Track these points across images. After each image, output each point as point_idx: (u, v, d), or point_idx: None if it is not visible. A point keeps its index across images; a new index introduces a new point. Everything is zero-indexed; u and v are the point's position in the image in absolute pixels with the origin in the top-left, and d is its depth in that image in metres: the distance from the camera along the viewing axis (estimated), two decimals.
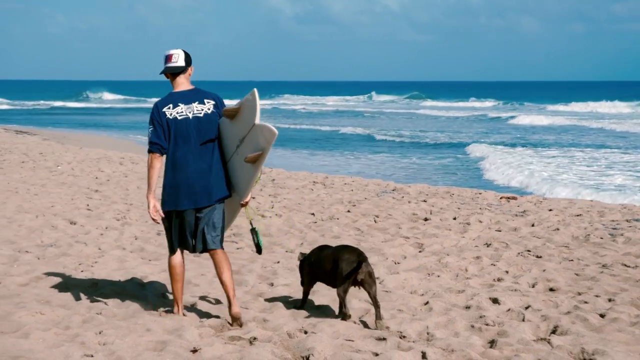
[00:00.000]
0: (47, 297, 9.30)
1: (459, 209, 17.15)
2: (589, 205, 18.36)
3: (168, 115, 8.33)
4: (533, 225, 15.16)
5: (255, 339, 7.85)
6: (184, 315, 8.69)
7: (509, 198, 19.35)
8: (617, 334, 8.35)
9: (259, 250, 8.85)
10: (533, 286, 10.54)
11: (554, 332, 8.44)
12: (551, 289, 10.40)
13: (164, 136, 8.32)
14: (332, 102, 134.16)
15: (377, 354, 7.51)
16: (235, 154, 8.48)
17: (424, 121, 72.74)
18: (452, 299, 9.72)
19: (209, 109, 8.44)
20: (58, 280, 10.24)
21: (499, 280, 10.84)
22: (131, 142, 41.70)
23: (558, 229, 14.62)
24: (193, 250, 8.56)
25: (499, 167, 30.27)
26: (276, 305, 9.15)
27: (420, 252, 12.59)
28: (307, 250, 10.86)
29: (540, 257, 12.27)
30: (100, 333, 7.91)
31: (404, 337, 8.16)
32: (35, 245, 12.50)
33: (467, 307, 9.34)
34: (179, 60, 8.46)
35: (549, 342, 7.98)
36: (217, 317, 8.64)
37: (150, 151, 8.34)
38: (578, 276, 11.07)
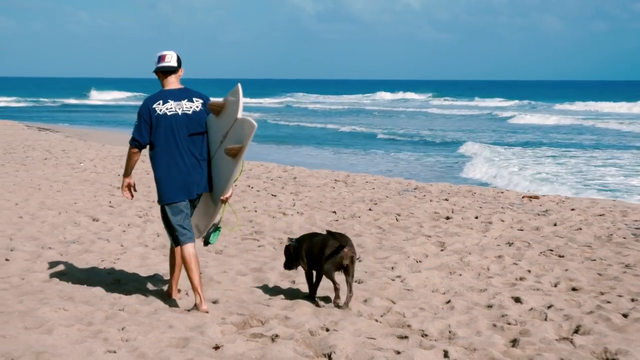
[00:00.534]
0: (70, 293, 9.34)
1: (480, 207, 17.11)
2: (611, 205, 18.29)
3: (158, 111, 8.72)
4: (555, 225, 15.11)
5: (277, 336, 7.85)
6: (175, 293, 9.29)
7: (531, 197, 19.28)
8: None
9: (205, 243, 9.16)
10: (555, 285, 10.51)
11: (576, 331, 8.41)
12: (574, 289, 10.36)
13: (147, 133, 8.74)
14: (348, 100, 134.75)
15: (399, 352, 7.51)
16: (219, 149, 8.81)
17: (430, 119, 73.57)
18: (474, 298, 9.70)
19: (197, 107, 8.84)
20: (81, 276, 10.29)
21: (521, 279, 10.81)
22: None
23: (580, 229, 14.56)
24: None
25: (477, 165, 31.38)
26: (298, 303, 9.15)
27: (442, 250, 12.57)
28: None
29: (563, 256, 12.22)
30: (123, 329, 7.93)
31: (426, 335, 8.15)
32: (58, 241, 12.56)
33: (489, 306, 9.32)
34: (172, 60, 8.86)
35: (571, 342, 7.96)
36: (239, 314, 8.65)
37: (130, 144, 8.85)
38: (601, 276, 11.03)
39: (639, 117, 71.50)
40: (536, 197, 19.33)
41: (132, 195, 9.21)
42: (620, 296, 9.83)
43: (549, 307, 9.28)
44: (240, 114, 8.58)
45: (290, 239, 9.70)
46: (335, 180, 22.25)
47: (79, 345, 7.37)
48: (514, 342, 7.96)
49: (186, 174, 8.70)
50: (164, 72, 8.89)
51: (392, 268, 11.24)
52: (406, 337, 7.95)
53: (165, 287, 9.69)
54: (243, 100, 8.61)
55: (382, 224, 14.97)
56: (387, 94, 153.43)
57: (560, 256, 12.23)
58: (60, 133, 41.68)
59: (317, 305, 9.18)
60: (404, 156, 36.65)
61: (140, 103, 9.10)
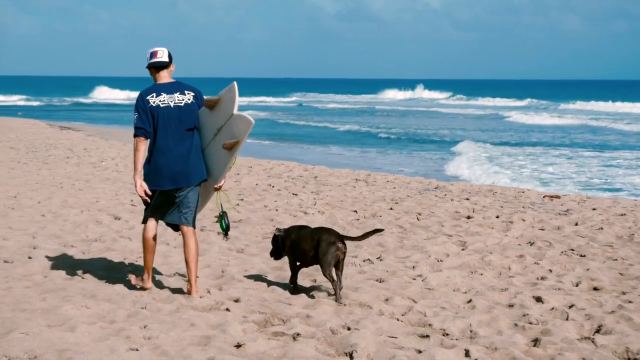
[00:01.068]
0: (93, 291, 9.39)
1: (501, 207, 17.08)
2: (633, 204, 18.21)
3: (151, 103, 9.11)
4: (576, 224, 15.06)
5: (298, 334, 7.87)
6: (148, 278, 9.57)
7: (552, 197, 19.23)
8: None
9: (225, 232, 9.80)
10: (577, 285, 10.48)
11: (598, 331, 8.39)
12: (595, 288, 10.33)
13: (148, 122, 9.08)
14: (362, 99, 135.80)
15: (420, 351, 7.51)
16: (212, 142, 9.27)
17: (437, 119, 74.54)
18: (495, 297, 9.69)
19: (189, 100, 9.25)
20: (103, 274, 10.34)
21: (542, 278, 10.79)
22: None
23: (602, 228, 14.52)
24: (170, 223, 9.47)
25: (462, 163, 32.34)
26: (319, 302, 9.16)
27: (463, 250, 12.55)
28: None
29: (584, 256, 12.19)
30: (144, 327, 7.97)
31: (447, 334, 8.14)
32: (80, 240, 12.63)
33: (511, 306, 9.30)
34: (163, 56, 9.29)
35: (593, 342, 7.94)
36: (261, 312, 8.67)
37: (136, 135, 9.10)
38: (622, 275, 11.00)
39: None
40: (557, 197, 19.28)
41: (149, 197, 9.26)
42: None
43: (571, 306, 9.26)
44: (236, 110, 9.06)
45: (278, 229, 10.06)
46: (356, 179, 22.27)
47: (102, 342, 7.41)
48: (536, 342, 7.95)
49: (174, 164, 9.09)
50: (156, 68, 9.30)
51: (413, 267, 11.24)
52: (427, 336, 7.95)
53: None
54: (239, 98, 9.08)
55: (403, 223, 14.96)
56: (399, 92, 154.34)
57: (581, 256, 12.20)
58: (82, 132, 41.87)
59: (296, 291, 9.72)
60: (393, 152, 38.43)
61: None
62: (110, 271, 10.56)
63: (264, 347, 7.52)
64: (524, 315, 8.81)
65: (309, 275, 10.60)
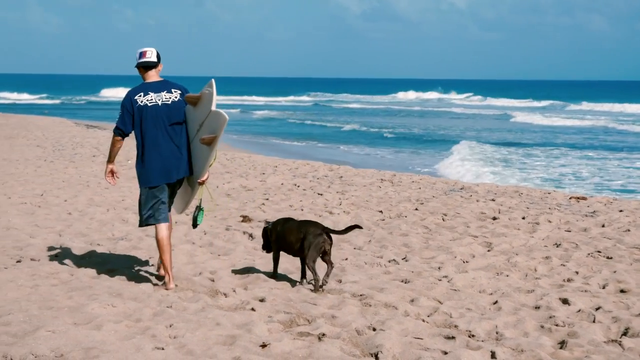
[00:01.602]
0: (119, 289, 9.42)
1: (527, 208, 17.00)
2: None
3: (139, 103, 9.50)
4: (603, 226, 14.97)
5: (324, 335, 7.86)
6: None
7: (578, 198, 19.13)
8: None
9: (194, 225, 10.06)
10: (603, 287, 10.42)
11: (625, 334, 8.34)
12: (622, 291, 10.26)
13: (129, 122, 9.51)
14: (381, 100, 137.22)
15: (446, 353, 7.49)
16: (195, 137, 9.65)
17: (441, 119, 76.45)
18: (521, 299, 9.64)
19: (176, 97, 9.61)
20: (129, 273, 10.38)
21: (568, 280, 10.73)
22: None
23: (629, 230, 14.42)
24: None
25: (453, 162, 34.04)
26: (344, 302, 9.15)
27: (488, 251, 12.50)
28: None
29: (611, 258, 12.11)
30: (170, 326, 7.99)
31: (473, 336, 8.11)
32: (106, 238, 12.68)
33: (537, 307, 9.26)
34: (152, 56, 9.63)
35: (620, 344, 7.89)
36: (286, 312, 8.67)
37: (114, 133, 9.63)
38: None
39: None
40: (584, 198, 19.18)
41: (115, 181, 10.01)
42: None
43: (597, 308, 9.20)
44: (214, 107, 9.43)
45: (267, 222, 10.61)
46: (382, 179, 22.24)
47: (128, 341, 7.44)
48: (562, 344, 7.91)
49: (166, 160, 9.49)
50: (145, 67, 9.65)
51: (439, 268, 11.21)
52: (453, 337, 7.92)
53: (213, 286, 9.73)
54: (216, 95, 9.48)
55: (428, 223, 14.92)
56: (416, 93, 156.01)
57: (608, 258, 12.12)
58: (108, 130, 42.01)
59: (276, 278, 10.28)
60: (388, 151, 40.15)
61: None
62: (136, 270, 10.60)
63: (290, 347, 7.52)
64: (550, 317, 8.77)
65: (334, 275, 10.59)
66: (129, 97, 9.54)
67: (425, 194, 19.01)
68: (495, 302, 9.39)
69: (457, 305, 9.22)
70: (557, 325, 8.54)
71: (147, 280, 9.95)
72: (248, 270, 10.70)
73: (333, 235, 10.03)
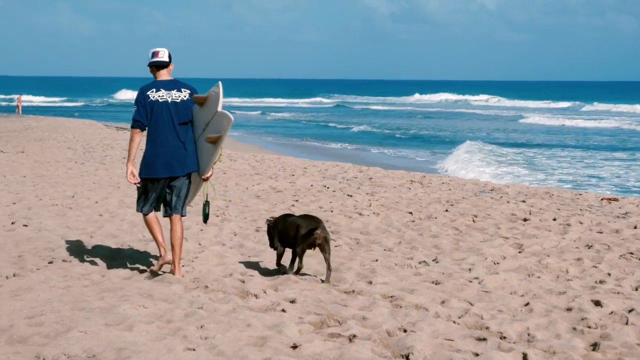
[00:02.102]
0: (150, 290, 9.45)
1: (558, 209, 16.91)
2: None
3: (151, 98, 9.94)
4: (635, 227, 14.85)
5: (354, 336, 7.85)
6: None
7: (610, 199, 19.01)
8: None
9: (205, 219, 10.56)
10: (636, 289, 10.33)
11: None
12: None
13: (145, 115, 9.95)
14: (404, 101, 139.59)
15: (477, 354, 7.46)
16: (201, 136, 10.09)
17: (456, 119, 78.84)
18: (552, 301, 9.59)
19: (185, 96, 10.06)
20: (160, 274, 10.40)
21: (601, 282, 10.65)
22: (231, 140, 42.15)
23: None
24: (164, 213, 10.31)
25: (451, 160, 35.22)
26: (375, 304, 9.13)
27: (519, 252, 12.44)
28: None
29: None
30: (201, 327, 8.00)
31: (505, 337, 8.07)
32: (137, 239, 12.72)
33: (569, 309, 9.20)
34: (164, 56, 10.13)
35: None
36: (317, 314, 8.66)
37: (132, 127, 10.02)
38: None
39: None
40: (615, 200, 19.05)
41: (137, 182, 10.22)
42: None
43: (630, 310, 9.12)
44: (220, 108, 9.87)
45: (269, 220, 10.81)
46: (411, 180, 22.20)
47: (159, 342, 7.46)
48: (595, 346, 7.85)
49: (170, 155, 9.93)
50: (157, 66, 10.13)
51: (470, 269, 11.17)
52: (484, 339, 7.89)
53: (243, 287, 9.74)
54: (223, 97, 9.90)
55: (458, 225, 14.88)
56: (436, 95, 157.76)
57: None
58: None
59: (285, 272, 10.51)
60: (388, 150, 41.66)
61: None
62: (167, 271, 10.62)
63: (320, 349, 7.51)
64: (582, 319, 8.71)
65: (365, 277, 10.58)
66: (142, 92, 10.01)
67: (455, 195, 18.95)
68: (527, 304, 9.33)
69: (488, 306, 9.18)
70: (589, 327, 8.48)
71: (178, 281, 9.97)
72: (278, 271, 10.71)
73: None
